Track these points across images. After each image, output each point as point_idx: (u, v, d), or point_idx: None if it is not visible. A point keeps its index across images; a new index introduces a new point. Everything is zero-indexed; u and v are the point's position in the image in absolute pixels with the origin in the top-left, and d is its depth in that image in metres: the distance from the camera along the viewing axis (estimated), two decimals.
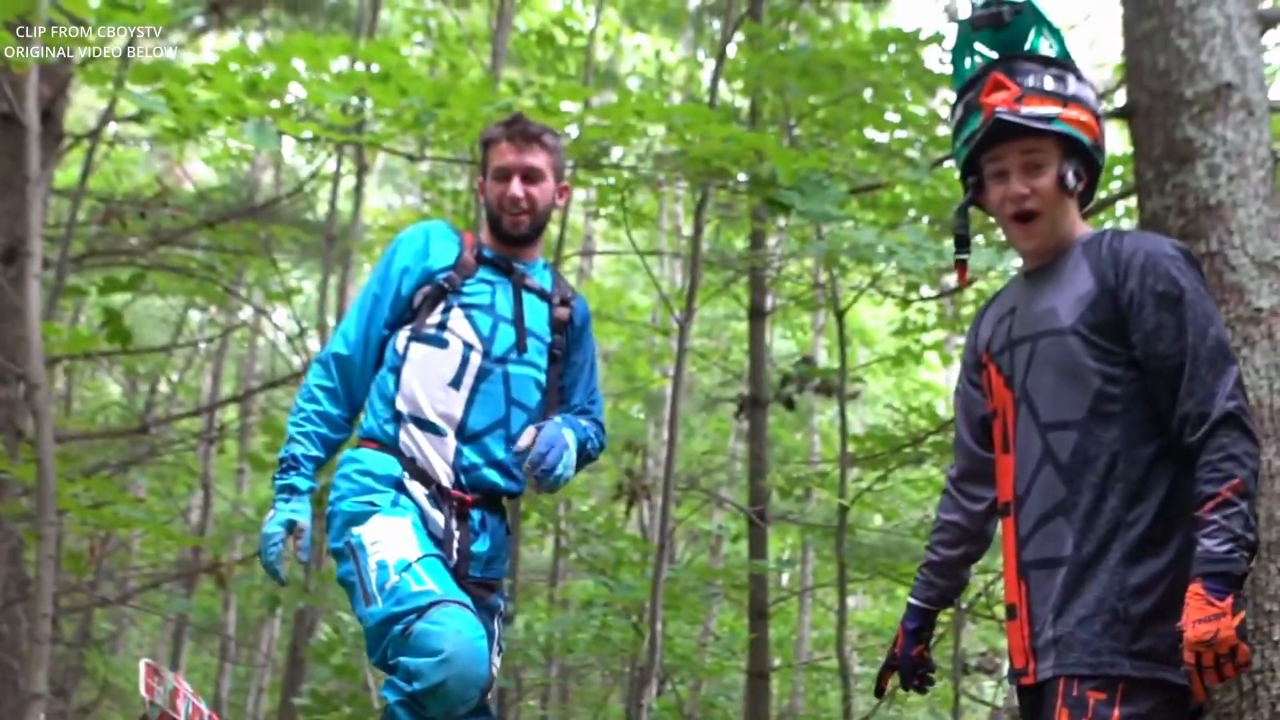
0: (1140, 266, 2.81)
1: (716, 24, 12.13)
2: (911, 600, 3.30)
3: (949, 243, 6.66)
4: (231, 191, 13.27)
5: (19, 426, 7.08)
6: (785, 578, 18.09)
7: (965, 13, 8.82)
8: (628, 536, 12.37)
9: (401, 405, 3.50)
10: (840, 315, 10.36)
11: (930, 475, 12.71)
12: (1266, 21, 6.67)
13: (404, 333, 3.58)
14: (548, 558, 15.30)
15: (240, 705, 16.41)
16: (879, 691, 3.47)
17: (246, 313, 14.65)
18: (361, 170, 11.51)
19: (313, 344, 10.37)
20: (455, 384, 3.50)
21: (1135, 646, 2.67)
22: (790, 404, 10.22)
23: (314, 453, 3.49)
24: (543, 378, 3.70)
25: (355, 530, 3.31)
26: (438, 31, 12.02)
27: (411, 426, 3.47)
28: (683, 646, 13.75)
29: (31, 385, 4.29)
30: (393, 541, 3.24)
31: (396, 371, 3.54)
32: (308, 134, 4.89)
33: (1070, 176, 2.92)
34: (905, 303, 10.40)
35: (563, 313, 3.77)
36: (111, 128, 8.64)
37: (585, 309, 3.91)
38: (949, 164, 7.54)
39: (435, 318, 3.56)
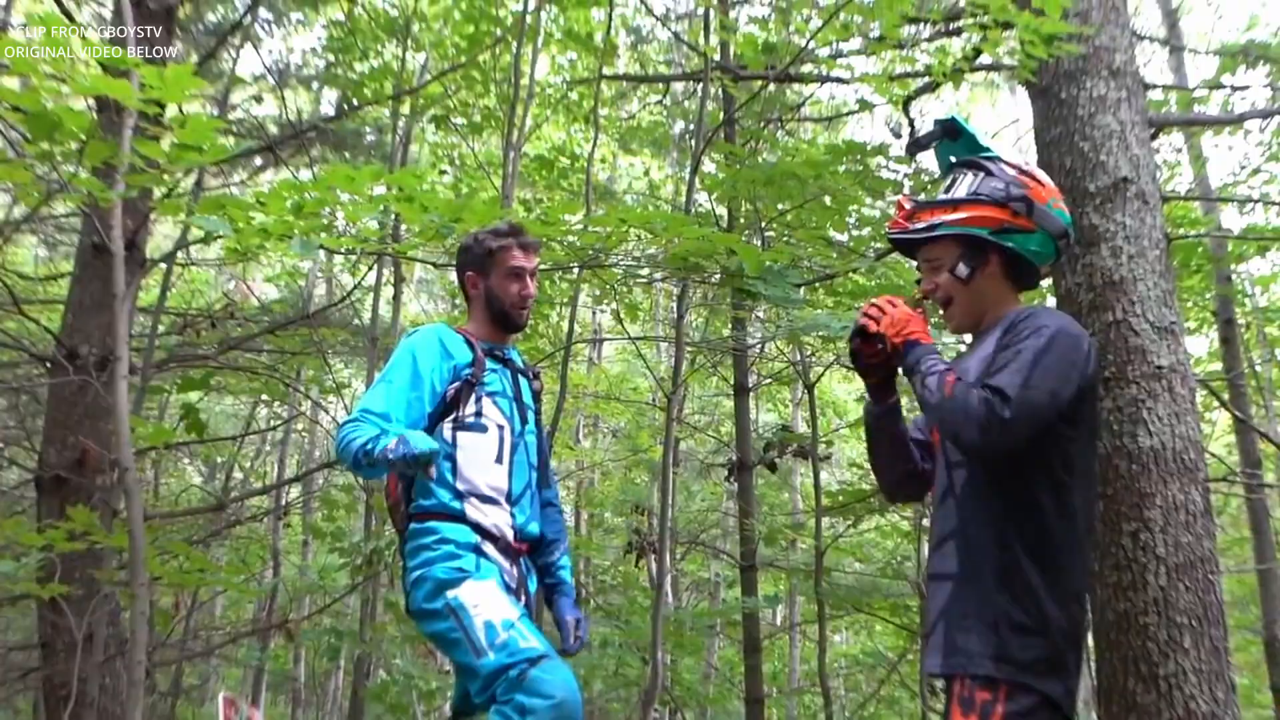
0: (1019, 325, 2.84)
1: None
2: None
3: None
4: (289, 303, 13.40)
5: (114, 507, 7.15)
6: (778, 616, 18.03)
7: (904, 131, 8.94)
8: (640, 587, 12.37)
9: (461, 485, 3.58)
10: (810, 389, 10.43)
11: (895, 523, 12.73)
12: (1155, 125, 6.83)
13: (447, 424, 3.65)
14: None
15: None
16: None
17: (305, 406, 14.73)
18: (399, 281, 11.68)
19: None
20: (499, 460, 3.65)
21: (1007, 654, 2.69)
22: (773, 466, 10.24)
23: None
24: (540, 440, 3.89)
25: (451, 593, 3.39)
26: (460, 161, 12.22)
27: (474, 500, 3.57)
28: (689, 679, 13.69)
29: (123, 469, 4.34)
30: (491, 604, 3.36)
31: (451, 459, 3.61)
32: (346, 247, 4.99)
33: (960, 268, 2.99)
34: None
35: (537, 385, 3.93)
36: (184, 252, 8.76)
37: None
38: (895, 255, 7.67)
39: (471, 407, 3.65)
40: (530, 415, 3.85)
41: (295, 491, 15.05)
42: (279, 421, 14.91)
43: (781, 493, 17.41)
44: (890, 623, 12.11)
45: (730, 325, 10.49)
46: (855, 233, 8.89)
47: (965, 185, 3.02)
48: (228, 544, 13.51)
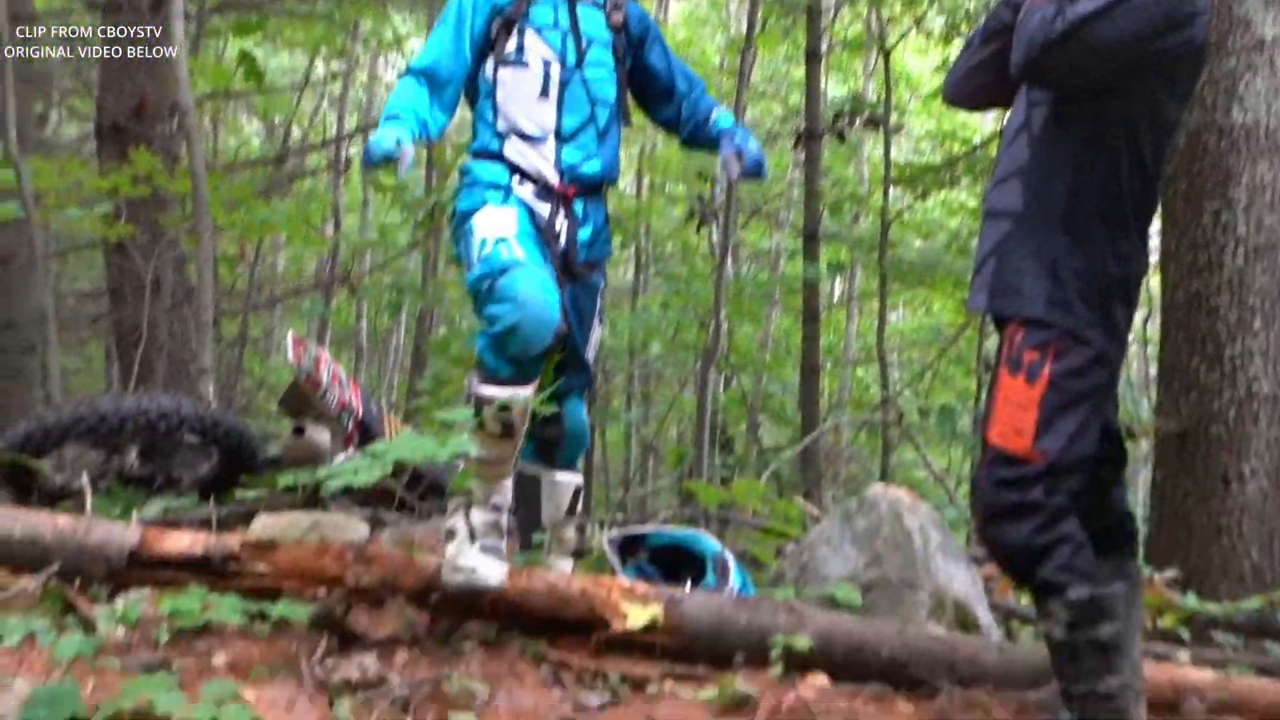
0: None
1: None
2: None
3: None
4: None
5: (175, 153, 7.17)
6: (835, 293, 18.15)
7: None
8: (700, 255, 12.40)
9: (502, 124, 3.48)
10: (887, 55, 10.08)
11: (963, 201, 12.58)
12: None
13: (488, 64, 3.54)
14: (628, 279, 15.41)
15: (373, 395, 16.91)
16: None
17: (364, 60, 14.49)
18: None
19: None
20: (545, 94, 3.48)
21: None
22: (842, 137, 10.03)
23: (412, 113, 3.42)
24: (613, 74, 3.65)
25: (470, 221, 3.36)
26: None
27: (514, 139, 3.46)
28: (746, 347, 13.94)
29: (183, 112, 4.30)
30: (495, 223, 3.30)
31: (491, 96, 3.52)
32: None
33: None
34: (947, 41, 10.11)
35: (617, 17, 3.69)
36: None
37: (640, 10, 3.82)
38: None
39: (512, 43, 3.51)
40: (600, 48, 3.62)
41: (355, 147, 14.99)
42: (337, 73, 14.68)
43: (848, 166, 17.17)
44: (951, 299, 12.15)
45: None
46: None
47: None
48: (287, 200, 13.62)
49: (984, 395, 11.15)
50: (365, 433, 5.11)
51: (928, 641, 3.21)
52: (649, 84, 3.82)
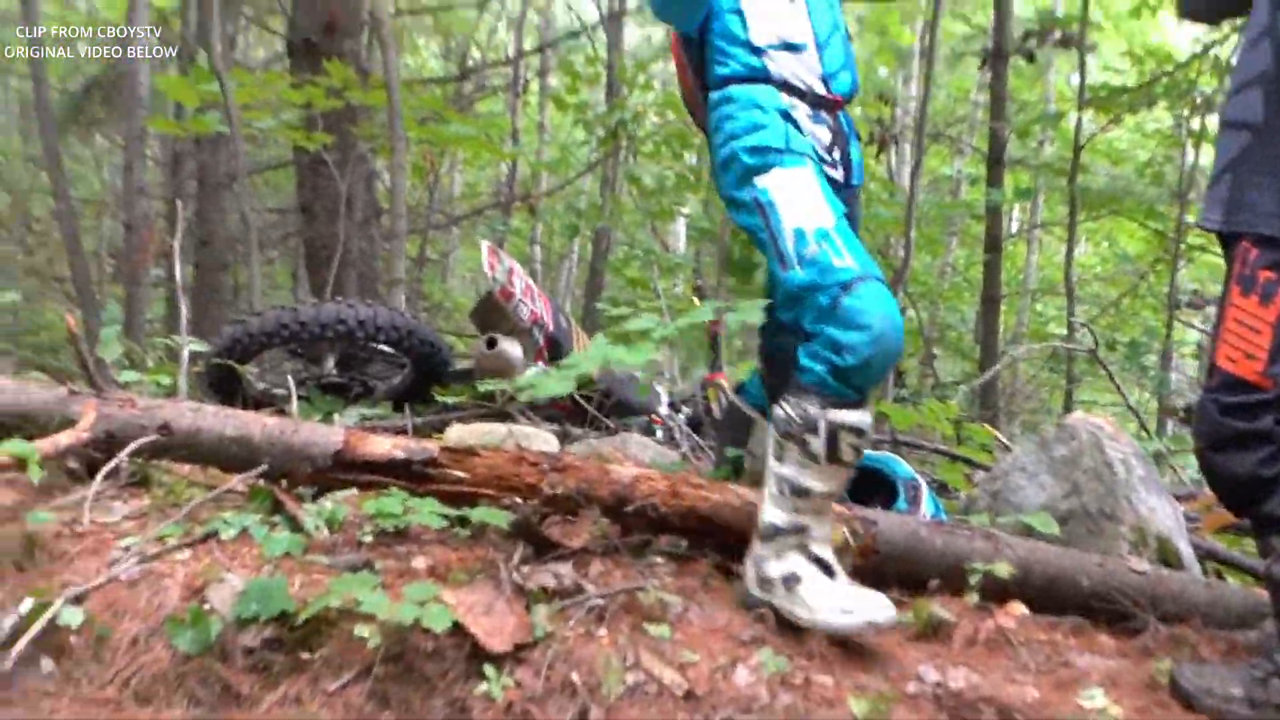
0: None
1: None
2: None
3: None
4: None
5: (365, 70, 7.28)
6: (1015, 224, 17.63)
7: None
8: (879, 179, 12.13)
9: (758, 38, 3.05)
10: None
11: (1160, 125, 12.03)
12: None
13: None
14: None
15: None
16: None
17: None
18: None
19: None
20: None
21: None
22: (1031, 57, 9.64)
23: None
24: None
25: (760, 182, 2.89)
26: None
27: (776, 53, 3.05)
28: (924, 275, 13.66)
29: (379, 22, 4.33)
30: (805, 204, 2.84)
31: (738, 11, 3.08)
32: None
33: None
34: None
35: None
36: None
37: None
38: None
39: None
40: None
41: (534, 67, 15.05)
42: None
43: (1034, 89, 16.58)
44: (1145, 226, 11.67)
45: None
46: None
47: None
48: (468, 120, 13.75)
49: (1171, 332, 10.78)
50: (555, 347, 5.14)
51: (1131, 574, 3.10)
52: None
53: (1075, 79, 10.70)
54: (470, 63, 14.73)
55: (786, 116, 2.98)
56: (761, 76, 3.02)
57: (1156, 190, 11.56)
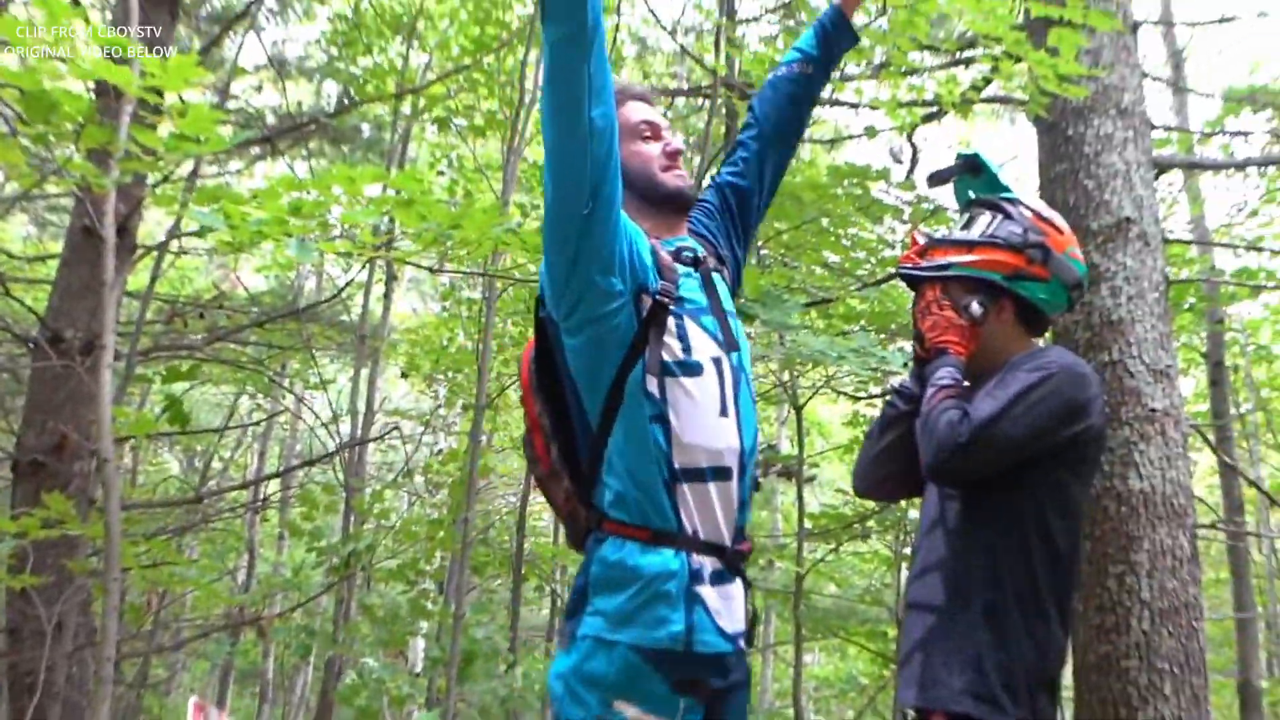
0: (1024, 361, 2.80)
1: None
2: None
3: (893, 348, 6.73)
4: (279, 296, 13.36)
5: (91, 495, 7.08)
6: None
7: (905, 157, 8.89)
8: None
9: (681, 458, 2.37)
10: (799, 410, 10.41)
11: (876, 550, 12.70)
12: (1160, 166, 6.82)
13: (650, 376, 2.38)
14: (545, 616, 15.22)
15: None
16: None
17: (289, 400, 14.65)
18: (390, 280, 11.63)
19: (345, 428, 10.36)
20: (724, 411, 2.45)
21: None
22: (756, 485, 10.15)
23: None
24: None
25: (619, 707, 2.25)
26: (458, 163, 12.14)
27: (692, 485, 2.37)
28: None
29: (102, 460, 4.26)
30: None
31: (663, 420, 2.36)
32: (343, 250, 4.93)
33: (973, 307, 2.87)
34: (855, 398, 10.47)
35: (725, 272, 2.76)
36: (176, 241, 8.70)
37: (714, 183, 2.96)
38: (893, 282, 7.64)
39: (675, 340, 2.43)
40: (735, 323, 2.61)
41: (274, 487, 14.96)
42: (262, 416, 14.82)
43: (761, 512, 17.38)
44: (866, 649, 12.07)
45: None
46: (852, 255, 8.84)
47: (981, 226, 2.96)
48: (203, 535, 13.42)
49: None
50: None
51: None
52: (749, 184, 2.92)
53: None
54: (211, 477, 14.57)
55: (689, 597, 2.37)
56: (669, 534, 2.38)
57: (878, 610, 12.06)
